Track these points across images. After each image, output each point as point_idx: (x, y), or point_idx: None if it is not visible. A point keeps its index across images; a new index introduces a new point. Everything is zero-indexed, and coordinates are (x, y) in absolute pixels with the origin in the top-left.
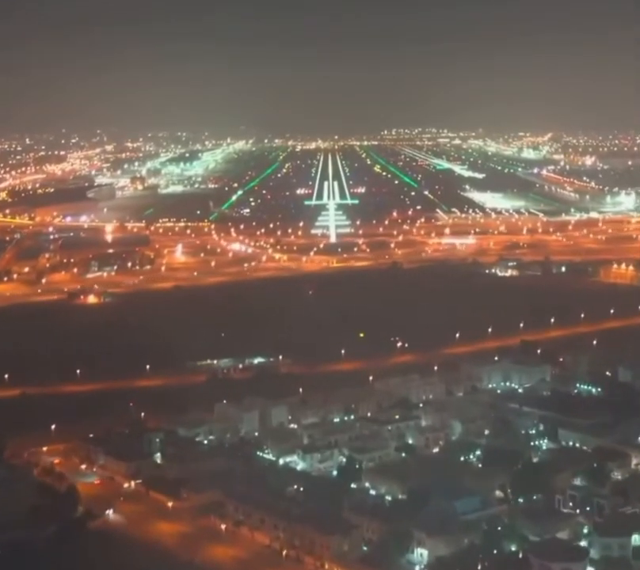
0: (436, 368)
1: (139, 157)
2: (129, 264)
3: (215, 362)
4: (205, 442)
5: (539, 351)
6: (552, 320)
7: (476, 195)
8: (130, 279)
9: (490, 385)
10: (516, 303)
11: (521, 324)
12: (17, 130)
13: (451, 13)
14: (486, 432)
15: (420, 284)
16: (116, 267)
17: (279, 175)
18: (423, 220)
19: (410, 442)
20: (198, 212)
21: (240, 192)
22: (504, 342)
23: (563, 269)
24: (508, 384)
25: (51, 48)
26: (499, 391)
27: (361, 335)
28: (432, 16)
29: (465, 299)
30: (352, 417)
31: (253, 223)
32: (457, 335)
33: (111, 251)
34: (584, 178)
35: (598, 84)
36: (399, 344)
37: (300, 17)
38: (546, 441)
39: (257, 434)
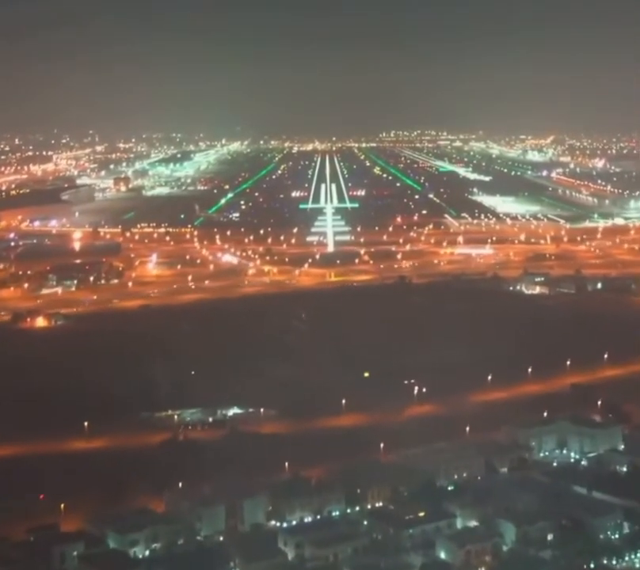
0: (468, 429)
1: (130, 158)
2: (93, 278)
3: (178, 413)
4: (147, 552)
5: (599, 402)
6: (605, 355)
7: (485, 199)
8: (91, 296)
9: (542, 454)
10: (553, 330)
11: (567, 361)
12: (8, 130)
13: (450, 13)
14: (550, 537)
15: (434, 305)
16: (76, 282)
17: (274, 176)
18: (431, 226)
19: (443, 556)
20: (182, 216)
21: (230, 195)
22: (548, 385)
23: (599, 285)
24: (564, 452)
25: (44, 46)
26: (555, 463)
27: (366, 374)
28: (431, 16)
29: (490, 325)
30: (358, 509)
31: (242, 229)
32: (484, 373)
33: (75, 262)
34: (599, 181)
35: (598, 86)
36: (415, 388)
37: (298, 17)
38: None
39: (222, 538)
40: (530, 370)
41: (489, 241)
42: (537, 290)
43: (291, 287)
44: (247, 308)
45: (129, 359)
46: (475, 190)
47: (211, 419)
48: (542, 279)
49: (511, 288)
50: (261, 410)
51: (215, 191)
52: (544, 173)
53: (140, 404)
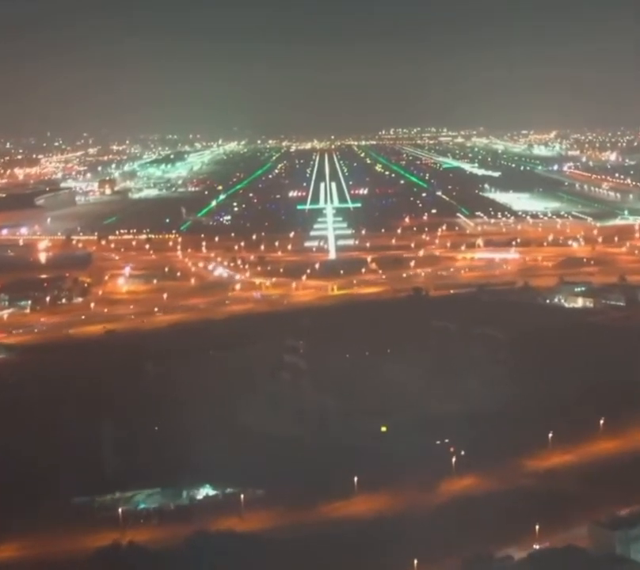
0: (537, 528)
1: (121, 160)
2: (52, 296)
3: (129, 496)
4: None
5: None
6: None
7: (498, 196)
8: (46, 320)
9: None
10: (614, 358)
11: None
12: (1, 134)
13: (448, 9)
14: None
15: (460, 324)
16: (30, 302)
17: (270, 176)
18: (444, 228)
19: None
20: (167, 221)
21: (222, 196)
22: (627, 442)
23: None
24: None
25: (38, 48)
26: None
27: (383, 429)
28: (429, 13)
29: (534, 352)
30: None
31: (233, 234)
32: (538, 425)
33: (33, 277)
34: (616, 174)
35: (598, 79)
36: (450, 450)
37: (297, 15)
38: None
39: None
40: (593, 416)
41: (513, 243)
42: (579, 302)
43: (287, 305)
44: (231, 334)
45: (71, 409)
46: (486, 186)
47: (172, 506)
48: (583, 289)
49: (547, 301)
50: (242, 496)
51: (206, 192)
52: (556, 168)
53: (76, 483)
